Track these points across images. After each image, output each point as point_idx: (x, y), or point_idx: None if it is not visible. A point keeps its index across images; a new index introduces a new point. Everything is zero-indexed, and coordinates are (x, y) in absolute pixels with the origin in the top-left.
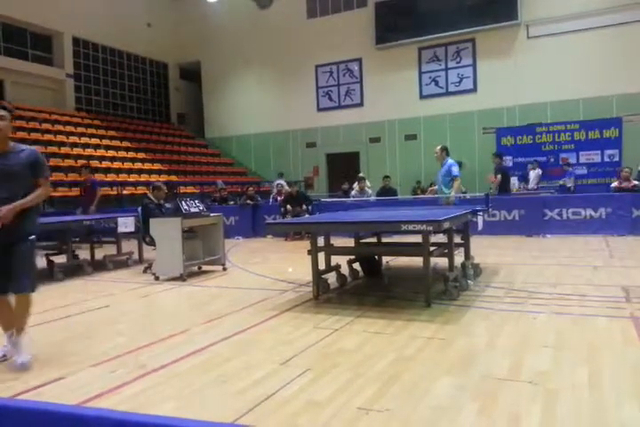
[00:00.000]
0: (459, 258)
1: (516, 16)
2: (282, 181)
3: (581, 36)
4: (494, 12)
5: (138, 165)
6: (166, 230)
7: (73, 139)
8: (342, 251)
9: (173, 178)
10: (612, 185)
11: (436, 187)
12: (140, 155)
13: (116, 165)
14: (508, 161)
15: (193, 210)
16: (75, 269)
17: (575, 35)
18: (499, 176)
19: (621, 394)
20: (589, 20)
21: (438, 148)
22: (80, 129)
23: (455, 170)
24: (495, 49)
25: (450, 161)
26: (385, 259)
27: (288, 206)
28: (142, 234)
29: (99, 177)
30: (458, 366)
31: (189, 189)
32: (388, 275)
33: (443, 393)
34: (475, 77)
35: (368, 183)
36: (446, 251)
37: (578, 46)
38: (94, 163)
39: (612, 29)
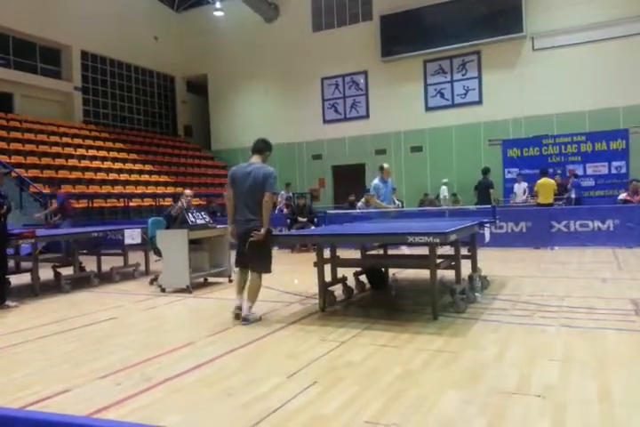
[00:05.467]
0: (466, 270)
1: (522, 28)
2: (283, 192)
3: (587, 48)
4: (499, 25)
5: (145, 177)
6: (172, 242)
7: (80, 151)
8: (349, 263)
9: (180, 190)
10: (620, 197)
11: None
12: (147, 167)
13: (123, 177)
14: (514, 173)
15: (199, 222)
16: (81, 281)
17: (581, 47)
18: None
19: (631, 408)
20: (595, 32)
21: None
22: (88, 141)
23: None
24: (501, 61)
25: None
26: (391, 271)
27: (299, 218)
28: (153, 244)
29: (106, 189)
30: (465, 379)
31: (195, 202)
32: (394, 287)
33: (450, 407)
34: (480, 89)
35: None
36: (453, 263)
37: (584, 58)
38: (101, 175)
39: (618, 41)
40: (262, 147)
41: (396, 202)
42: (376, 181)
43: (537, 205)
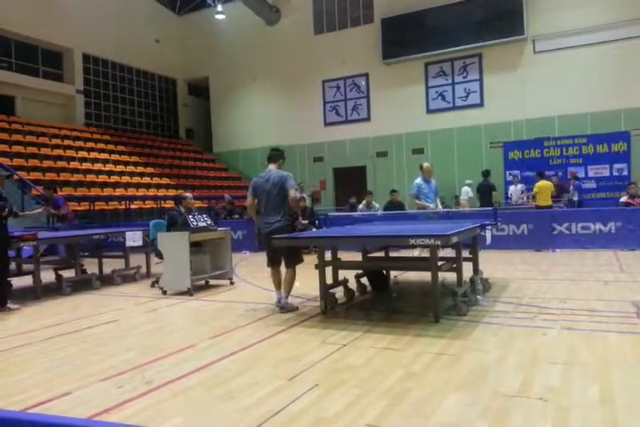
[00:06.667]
0: (467, 273)
1: (523, 31)
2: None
3: (588, 51)
4: (500, 27)
5: (146, 180)
6: (174, 245)
7: (82, 154)
8: (350, 265)
9: (181, 192)
10: (621, 200)
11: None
12: (149, 169)
13: (125, 179)
14: (515, 175)
15: (201, 224)
16: (83, 284)
17: (582, 49)
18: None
19: (634, 411)
20: (596, 34)
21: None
22: (89, 144)
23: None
24: (502, 64)
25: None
26: (393, 273)
27: (303, 221)
28: (154, 246)
29: (107, 192)
30: (467, 382)
31: (196, 204)
32: (395, 290)
33: (452, 410)
34: (481, 92)
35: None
36: (454, 265)
37: (585, 61)
38: (103, 177)
39: (619, 44)
40: (275, 155)
41: (439, 205)
42: (418, 180)
43: (536, 208)
